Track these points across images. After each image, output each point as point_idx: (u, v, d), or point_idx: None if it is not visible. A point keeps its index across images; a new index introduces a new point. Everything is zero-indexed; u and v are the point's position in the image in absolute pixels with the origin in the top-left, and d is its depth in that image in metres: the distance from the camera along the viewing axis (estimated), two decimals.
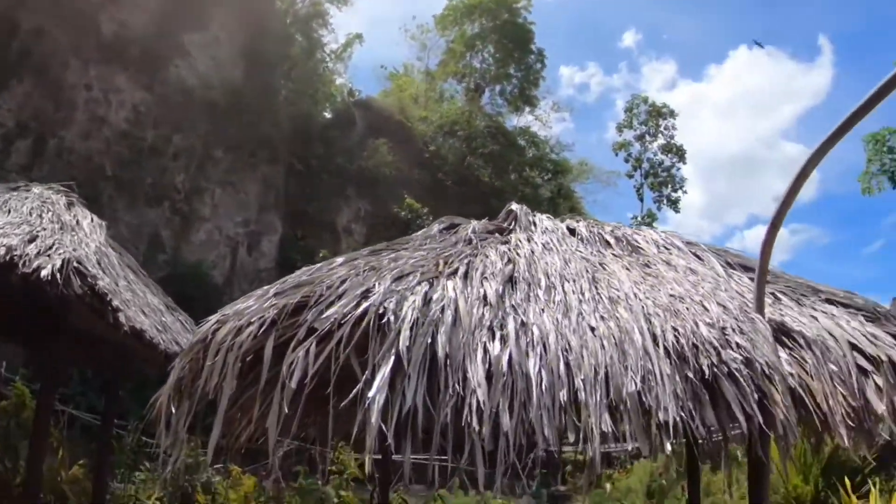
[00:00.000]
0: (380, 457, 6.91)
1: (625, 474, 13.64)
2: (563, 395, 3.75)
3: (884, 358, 4.55)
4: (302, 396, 3.91)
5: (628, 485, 12.34)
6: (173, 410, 4.62)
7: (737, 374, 3.97)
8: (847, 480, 8.35)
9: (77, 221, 8.77)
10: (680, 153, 53.83)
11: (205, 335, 4.64)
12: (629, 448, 17.15)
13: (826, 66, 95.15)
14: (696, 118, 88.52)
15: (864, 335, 4.77)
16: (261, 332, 4.30)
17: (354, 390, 3.74)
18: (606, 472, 18.02)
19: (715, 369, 3.97)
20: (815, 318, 4.91)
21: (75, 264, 7.05)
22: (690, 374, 3.95)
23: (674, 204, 53.81)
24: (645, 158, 53.78)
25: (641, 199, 53.39)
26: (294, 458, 15.56)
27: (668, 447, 3.67)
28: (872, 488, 8.10)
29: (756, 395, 3.90)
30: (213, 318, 4.77)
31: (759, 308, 4.66)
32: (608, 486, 16.64)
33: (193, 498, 9.22)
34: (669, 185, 53.92)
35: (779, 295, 5.25)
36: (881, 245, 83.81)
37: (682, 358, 4.07)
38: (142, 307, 8.61)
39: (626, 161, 53.84)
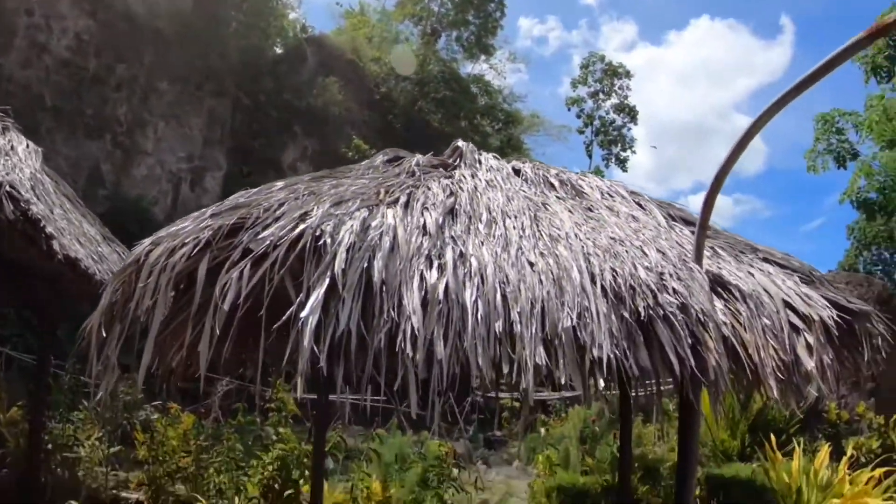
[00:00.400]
0: (315, 396, 6.85)
1: (560, 422, 13.88)
2: (498, 326, 3.73)
3: (815, 317, 4.67)
4: (235, 320, 3.82)
5: (562, 432, 12.54)
6: (104, 335, 4.47)
7: (672, 318, 4.01)
8: (773, 438, 8.62)
9: (11, 146, 8.41)
10: (632, 114, 54.12)
11: (138, 257, 4.47)
12: (565, 396, 17.55)
13: (786, 45, 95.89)
14: (652, 82, 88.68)
15: (798, 294, 4.88)
16: (195, 253, 4.17)
17: (288, 312, 3.67)
18: (542, 418, 18.44)
19: (651, 311, 4.01)
20: (752, 275, 5.00)
21: (8, 188, 6.82)
22: (626, 315, 3.97)
23: (622, 163, 54.30)
24: (597, 116, 53.98)
25: (590, 156, 53.66)
26: (234, 398, 15.47)
27: (601, 384, 3.69)
28: (797, 447, 8.36)
29: (689, 341, 3.96)
30: (148, 240, 4.62)
31: (698, 259, 4.71)
32: (542, 430, 17.02)
33: (132, 436, 9.11)
34: (619, 145, 54.35)
35: (718, 250, 5.32)
36: (820, 223, 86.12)
37: (619, 298, 4.10)
38: (77, 236, 8.32)
39: (578, 117, 53.98)
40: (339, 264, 3.82)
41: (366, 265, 3.90)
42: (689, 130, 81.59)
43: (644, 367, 3.80)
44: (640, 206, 5.73)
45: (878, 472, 8.21)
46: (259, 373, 3.92)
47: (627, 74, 54.12)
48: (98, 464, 8.65)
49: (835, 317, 4.77)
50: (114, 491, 8.62)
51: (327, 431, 9.86)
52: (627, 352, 3.78)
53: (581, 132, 54.02)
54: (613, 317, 3.93)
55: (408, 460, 10.18)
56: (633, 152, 55.05)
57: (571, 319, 3.83)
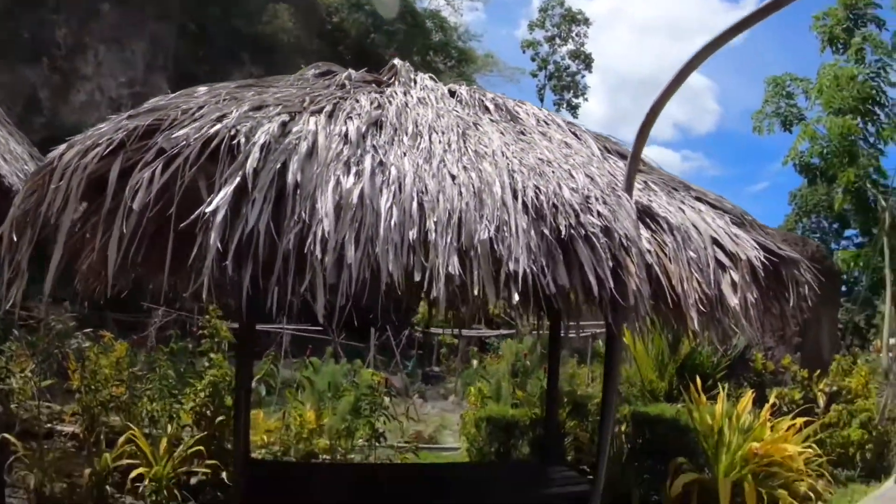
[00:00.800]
0: (237, 325, 6.73)
1: (497, 360, 13.97)
2: (412, 234, 3.64)
3: (742, 256, 4.66)
4: (144, 220, 3.65)
5: (498, 368, 12.60)
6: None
7: (593, 238, 3.96)
8: (699, 381, 8.76)
9: None
10: (587, 61, 54.07)
11: (51, 160, 4.23)
12: (502, 333, 17.73)
13: (748, 10, 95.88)
14: (612, 31, 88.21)
15: (727, 233, 4.87)
16: (107, 154, 3.97)
17: (197, 211, 3.51)
18: (474, 350, 18.62)
19: (572, 231, 3.95)
20: (683, 211, 4.98)
21: None
22: (547, 232, 3.92)
23: (573, 110, 54.31)
24: (552, 61, 53.85)
25: (542, 100, 53.36)
26: (170, 329, 15.25)
27: (516, 297, 3.61)
28: (721, 391, 8.52)
29: (611, 264, 3.91)
30: (63, 145, 4.39)
31: (628, 188, 4.67)
32: (475, 362, 17.22)
33: (65, 367, 8.88)
34: (572, 91, 54.39)
35: (651, 184, 5.28)
36: (764, 186, 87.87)
37: (541, 215, 4.03)
38: (2, 154, 8.01)
39: (533, 60, 53.79)
40: (251, 163, 3.67)
41: (280, 167, 3.76)
42: (644, 84, 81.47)
43: (562, 285, 3.75)
44: (575, 135, 5.65)
45: (799, 421, 8.42)
46: (166, 276, 3.74)
47: (586, 22, 54.03)
48: (31, 397, 8.42)
49: (762, 258, 4.77)
50: (48, 424, 8.39)
51: (257, 359, 9.80)
52: (546, 269, 3.71)
53: (534, 75, 53.91)
54: (533, 233, 3.86)
55: (340, 389, 10.17)
56: (586, 100, 55.33)
57: (489, 232, 3.76)
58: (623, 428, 8.36)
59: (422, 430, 12.87)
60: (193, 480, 7.34)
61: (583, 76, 54.74)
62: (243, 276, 3.37)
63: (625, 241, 4.10)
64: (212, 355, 8.17)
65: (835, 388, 11.25)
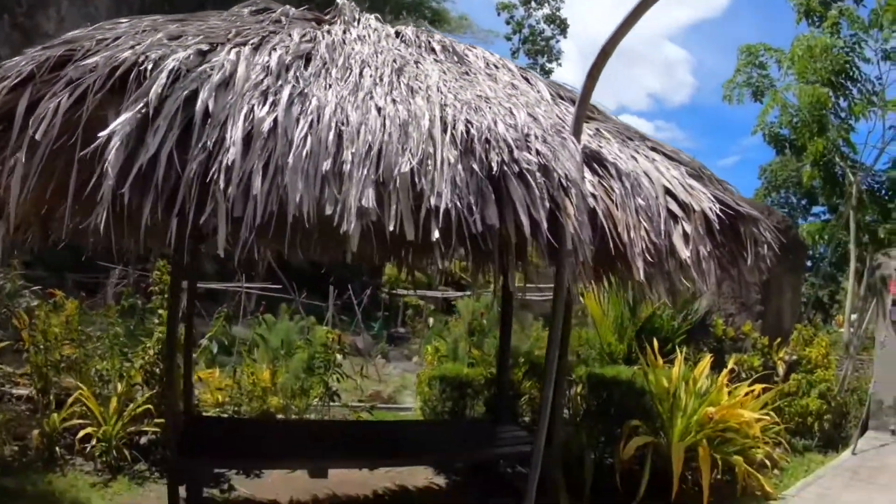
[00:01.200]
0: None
1: (460, 322, 13.81)
2: (326, 165, 3.41)
3: (696, 208, 4.45)
4: (46, 152, 3.40)
5: (459, 329, 12.43)
6: None
7: (528, 175, 3.72)
8: (656, 343, 8.64)
9: None
10: (563, 26, 53.34)
11: None
12: (468, 295, 17.62)
13: None
14: None
15: (681, 184, 4.66)
16: (16, 85, 3.71)
17: (99, 140, 3.24)
18: (432, 310, 18.50)
19: (505, 168, 3.71)
20: (635, 159, 4.75)
21: None
22: (476, 168, 3.67)
23: (546, 74, 53.82)
24: (526, 24, 53.17)
25: None
26: (122, 285, 14.97)
27: (436, 234, 3.37)
28: (679, 354, 8.41)
29: (548, 204, 3.68)
30: None
31: (576, 132, 4.43)
32: (430, 320, 17.10)
33: (15, 326, 8.62)
34: (545, 56, 53.83)
35: (604, 132, 5.06)
36: (735, 160, 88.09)
37: (470, 150, 3.79)
38: None
39: (507, 24, 52.90)
40: (157, 90, 3.42)
41: (189, 94, 3.51)
42: (619, 53, 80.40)
43: (491, 224, 3.50)
44: (527, 80, 5.39)
45: (757, 387, 8.34)
46: (69, 210, 3.50)
47: None
48: None
49: (718, 210, 4.57)
50: (2, 387, 8.15)
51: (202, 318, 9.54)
52: (474, 206, 3.48)
53: (508, 39, 53.16)
54: (461, 168, 3.62)
55: (293, 347, 9.99)
56: (559, 65, 54.50)
57: (411, 164, 3.52)
58: (579, 389, 8.24)
59: (381, 390, 12.77)
60: (143, 440, 7.20)
61: (557, 41, 54.07)
62: (143, 206, 3.13)
63: (564, 182, 3.86)
64: (160, 311, 7.93)
65: (795, 358, 11.21)
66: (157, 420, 7.18)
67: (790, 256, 12.72)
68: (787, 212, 40.04)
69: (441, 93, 4.27)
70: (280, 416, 8.67)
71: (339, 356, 9.08)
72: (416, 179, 3.48)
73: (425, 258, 8.02)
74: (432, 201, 3.40)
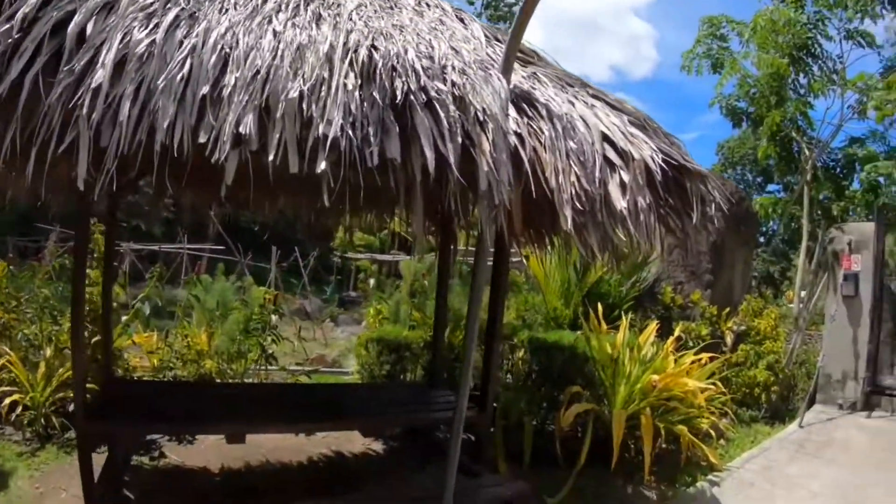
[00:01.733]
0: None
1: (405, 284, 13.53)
2: (205, 89, 3.06)
3: (636, 156, 4.10)
4: None
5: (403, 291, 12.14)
6: None
7: (438, 106, 3.35)
8: (601, 308, 8.40)
9: None
10: None
11: None
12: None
13: None
14: None
15: (621, 131, 4.30)
16: None
17: None
18: (373, 270, 18.25)
19: (412, 97, 3.33)
20: (572, 104, 4.39)
21: None
22: (378, 96, 3.29)
23: None
24: None
25: None
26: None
27: (322, 165, 3.00)
28: (624, 320, 8.19)
29: (460, 139, 3.32)
30: None
31: (505, 70, 4.04)
32: (371, 281, 16.87)
33: None
34: (508, 22, 53.33)
35: (541, 76, 4.68)
36: (694, 137, 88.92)
37: (373, 77, 3.41)
38: None
39: None
40: (25, 9, 3.06)
41: (63, 15, 3.14)
42: (583, 25, 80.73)
43: (391, 158, 3.13)
44: (461, 21, 4.98)
45: (704, 356, 8.19)
46: None
47: None
48: None
49: (661, 162, 4.24)
50: None
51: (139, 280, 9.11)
52: (372, 138, 3.11)
53: (471, 3, 52.59)
54: (359, 94, 3.25)
55: (229, 307, 9.62)
56: None
57: (301, 89, 3.16)
58: (521, 354, 8.00)
59: (326, 353, 12.49)
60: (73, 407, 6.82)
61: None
62: (4, 138, 2.79)
63: (481, 116, 3.50)
64: (89, 272, 7.51)
65: (743, 328, 11.11)
66: (87, 385, 6.82)
67: (742, 228, 12.61)
68: (743, 188, 40.39)
69: (351, 20, 3.89)
70: (219, 380, 8.33)
71: (274, 317, 8.69)
72: (306, 107, 3.13)
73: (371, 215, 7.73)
74: (321, 129, 3.05)
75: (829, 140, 20.73)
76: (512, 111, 3.83)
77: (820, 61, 19.77)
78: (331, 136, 3.01)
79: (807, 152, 20.33)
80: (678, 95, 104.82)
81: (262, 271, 16.93)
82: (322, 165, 2.96)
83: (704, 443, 7.63)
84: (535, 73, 4.60)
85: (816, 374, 11.39)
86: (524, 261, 10.60)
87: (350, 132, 3.06)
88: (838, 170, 21.25)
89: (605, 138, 4.15)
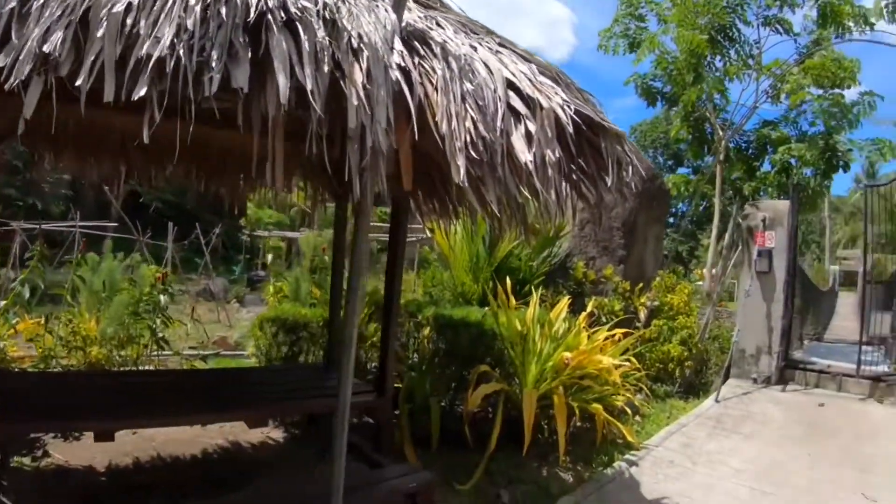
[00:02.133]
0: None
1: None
2: (12, 3, 2.54)
3: (545, 105, 3.61)
4: None
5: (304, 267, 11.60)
6: None
7: (300, 27, 2.83)
8: (509, 282, 8.01)
9: None
10: None
11: None
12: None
13: None
14: None
15: (529, 80, 3.80)
16: None
17: None
18: (270, 245, 17.64)
19: (269, 16, 2.77)
20: (475, 49, 3.88)
21: None
22: (225, 12, 2.67)
23: None
24: None
25: None
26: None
27: (142, 91, 2.44)
28: (534, 295, 7.85)
29: (327, 67, 2.80)
30: None
31: (397, 7, 3.53)
32: (269, 257, 16.28)
33: None
34: None
35: (442, 21, 4.16)
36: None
37: None
38: None
39: None
40: None
41: None
42: (503, 8, 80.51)
43: (238, 87, 2.56)
44: None
45: (618, 332, 7.93)
46: None
47: None
48: None
49: (573, 115, 3.76)
50: None
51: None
52: (215, 62, 2.57)
53: None
54: (199, 10, 2.69)
55: (116, 289, 8.90)
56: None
57: (129, 1, 2.60)
58: (427, 332, 7.56)
59: (229, 335, 11.84)
60: None
61: None
62: None
63: (355, 42, 2.98)
64: None
65: (656, 304, 10.99)
66: None
67: (655, 204, 12.49)
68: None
69: None
70: (110, 368, 7.67)
71: (162, 298, 8.02)
72: (132, 22, 2.58)
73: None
74: (146, 48, 2.50)
75: (742, 122, 21.01)
76: (400, 46, 3.30)
77: (737, 45, 20.02)
78: (155, 55, 2.46)
79: (720, 133, 20.56)
80: (595, 80, 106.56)
81: (162, 250, 16.00)
82: (141, 91, 2.40)
83: (620, 420, 7.40)
84: (437, 20, 4.08)
85: (731, 348, 11.44)
86: (428, 233, 10.14)
87: (183, 54, 2.51)
88: (750, 151, 21.60)
89: (511, 85, 3.66)
